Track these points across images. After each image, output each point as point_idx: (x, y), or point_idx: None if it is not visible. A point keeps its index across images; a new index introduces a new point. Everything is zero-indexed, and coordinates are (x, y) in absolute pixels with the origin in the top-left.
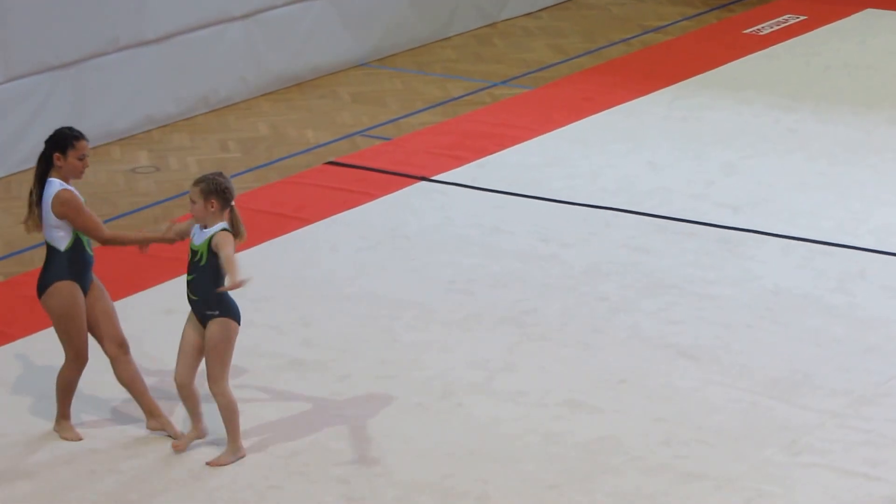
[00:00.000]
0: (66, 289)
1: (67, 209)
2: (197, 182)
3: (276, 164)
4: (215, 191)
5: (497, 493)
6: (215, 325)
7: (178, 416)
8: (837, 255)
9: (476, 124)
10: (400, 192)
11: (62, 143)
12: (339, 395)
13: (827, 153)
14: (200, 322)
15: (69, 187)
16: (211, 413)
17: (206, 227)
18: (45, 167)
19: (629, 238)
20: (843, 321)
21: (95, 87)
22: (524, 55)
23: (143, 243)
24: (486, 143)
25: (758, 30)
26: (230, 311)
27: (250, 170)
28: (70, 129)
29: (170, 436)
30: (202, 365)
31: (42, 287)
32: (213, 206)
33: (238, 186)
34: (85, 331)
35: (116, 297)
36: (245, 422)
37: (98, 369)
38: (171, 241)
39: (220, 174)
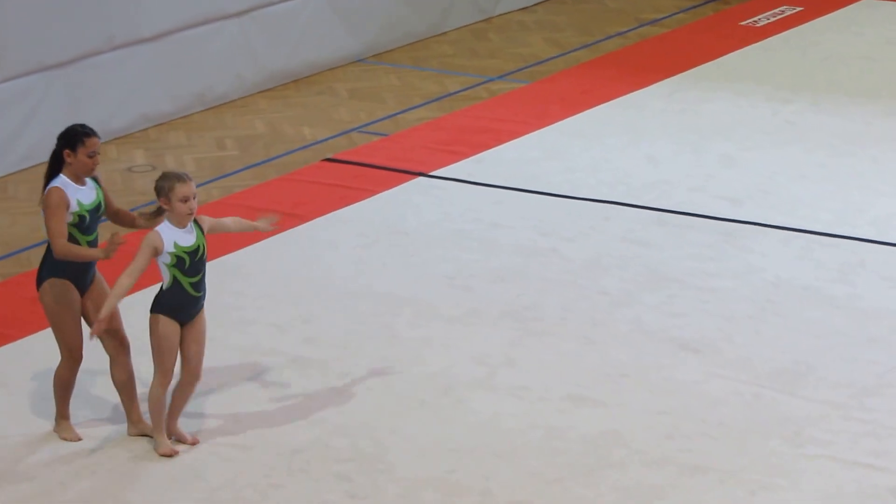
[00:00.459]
0: (57, 286)
1: (46, 202)
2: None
3: (274, 161)
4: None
5: (500, 489)
6: (203, 314)
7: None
8: (837, 246)
9: (473, 119)
10: (398, 188)
11: (72, 139)
12: (340, 392)
13: (825, 144)
14: (187, 319)
15: (61, 187)
16: (214, 403)
17: (181, 226)
18: (55, 164)
19: (629, 231)
20: (845, 312)
21: (91, 86)
22: (520, 50)
23: (103, 258)
24: (483, 138)
25: (754, 21)
26: None
27: (248, 167)
28: (81, 126)
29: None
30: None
31: (38, 283)
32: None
33: (235, 184)
34: (77, 329)
35: None
36: (246, 420)
37: (97, 370)
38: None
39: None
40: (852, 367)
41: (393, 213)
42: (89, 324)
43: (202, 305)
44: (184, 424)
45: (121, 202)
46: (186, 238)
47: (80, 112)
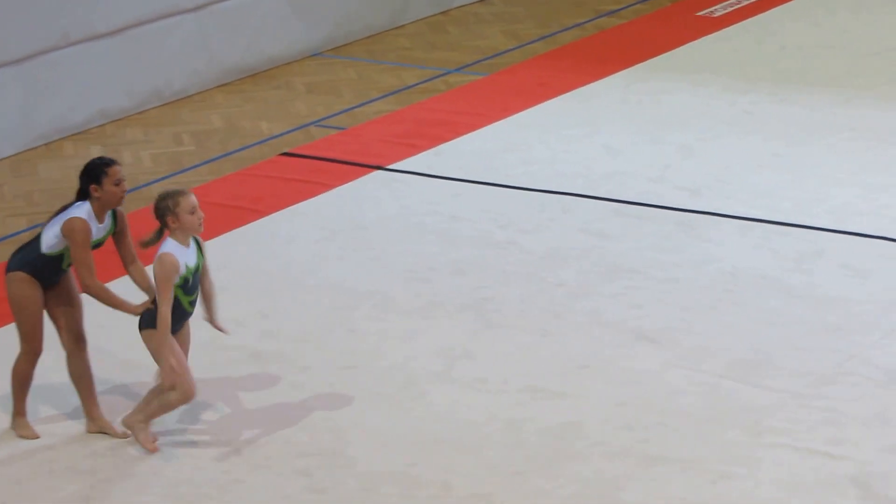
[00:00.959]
0: (22, 280)
1: (74, 236)
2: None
3: (231, 156)
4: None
5: (461, 481)
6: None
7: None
8: (795, 235)
9: (431, 112)
10: (356, 181)
11: (95, 173)
12: (300, 386)
13: (783, 134)
14: (178, 329)
15: (87, 220)
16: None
17: (186, 243)
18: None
19: (587, 223)
20: (803, 301)
21: (47, 82)
22: (478, 42)
23: (126, 311)
24: (441, 131)
25: (711, 12)
26: None
27: (205, 162)
28: (101, 158)
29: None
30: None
31: (6, 272)
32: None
33: (193, 180)
34: (37, 323)
35: None
36: (205, 415)
37: (54, 367)
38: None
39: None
40: (810, 355)
41: (351, 206)
42: (52, 319)
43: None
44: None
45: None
46: (191, 257)
47: (36, 108)
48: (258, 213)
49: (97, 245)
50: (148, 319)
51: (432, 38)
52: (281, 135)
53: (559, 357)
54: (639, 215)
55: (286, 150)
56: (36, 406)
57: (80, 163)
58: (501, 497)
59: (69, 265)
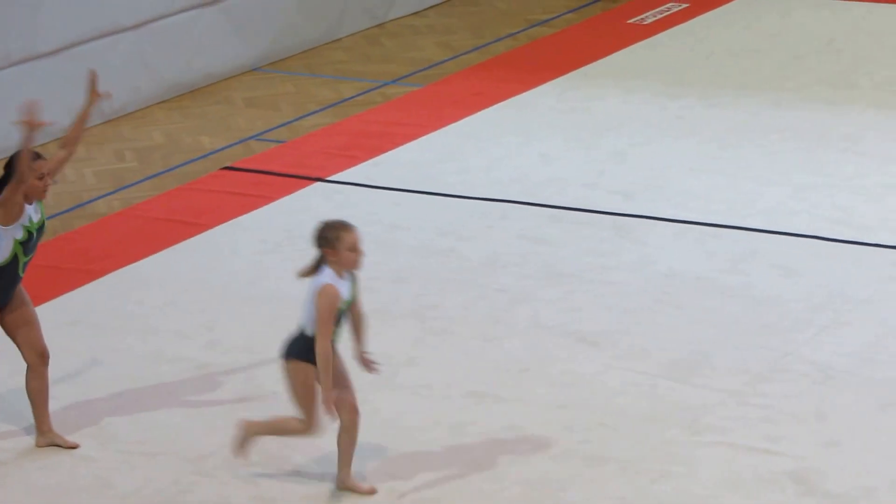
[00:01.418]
0: None
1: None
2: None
3: (173, 171)
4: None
5: (406, 487)
6: None
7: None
8: (730, 236)
9: (369, 124)
10: (297, 193)
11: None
12: (245, 396)
13: (715, 137)
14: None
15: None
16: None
17: (341, 276)
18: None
19: (525, 229)
20: (738, 301)
21: None
22: (413, 54)
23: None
24: (379, 142)
25: (641, 19)
26: None
27: (147, 178)
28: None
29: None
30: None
31: None
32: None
33: (136, 196)
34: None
35: None
36: (152, 427)
37: (6, 380)
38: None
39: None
40: (746, 354)
41: (292, 218)
42: (10, 336)
43: None
44: (93, 434)
45: None
46: (346, 289)
47: None
48: (201, 227)
49: (35, 230)
50: (296, 350)
51: (368, 50)
52: (222, 149)
53: (500, 362)
54: (575, 220)
55: (227, 164)
56: None
57: None
58: (447, 501)
59: (25, 266)
